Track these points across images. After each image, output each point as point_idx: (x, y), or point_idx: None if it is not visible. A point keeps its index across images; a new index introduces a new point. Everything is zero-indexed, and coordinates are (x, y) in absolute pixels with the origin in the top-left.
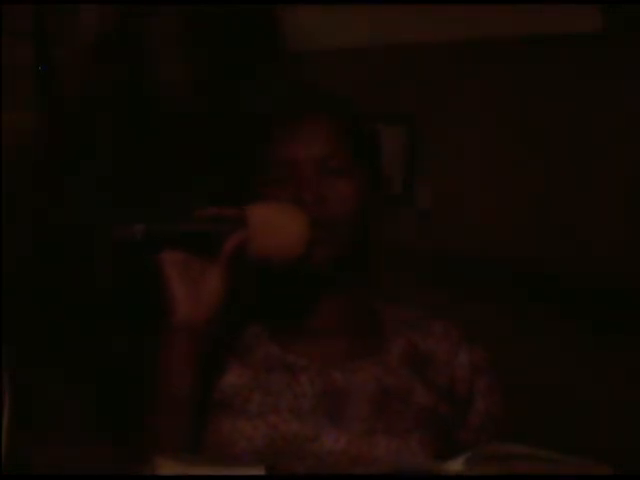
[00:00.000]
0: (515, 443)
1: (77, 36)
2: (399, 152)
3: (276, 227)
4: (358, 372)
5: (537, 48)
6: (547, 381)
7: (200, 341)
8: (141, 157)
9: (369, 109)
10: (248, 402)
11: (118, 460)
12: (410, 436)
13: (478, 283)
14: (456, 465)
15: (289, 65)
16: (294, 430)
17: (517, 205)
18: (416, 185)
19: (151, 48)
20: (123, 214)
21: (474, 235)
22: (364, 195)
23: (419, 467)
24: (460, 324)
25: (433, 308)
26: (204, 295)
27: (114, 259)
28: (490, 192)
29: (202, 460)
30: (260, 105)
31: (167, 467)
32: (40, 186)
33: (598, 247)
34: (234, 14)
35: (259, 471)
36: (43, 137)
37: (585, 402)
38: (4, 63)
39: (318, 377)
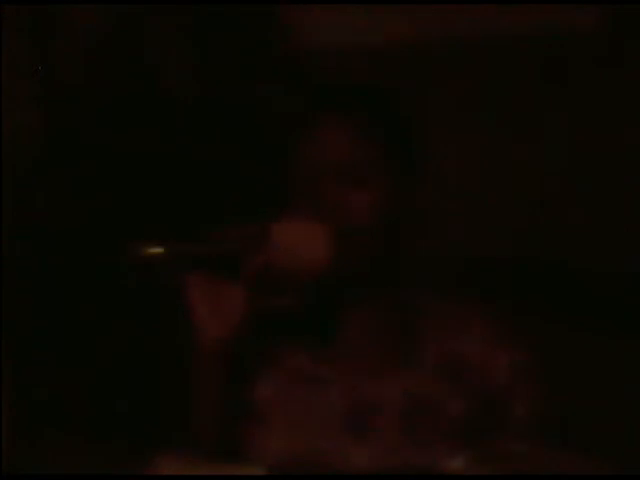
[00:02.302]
0: (515, 443)
1: (77, 36)
2: None
3: (298, 244)
4: (389, 385)
5: (537, 48)
6: (547, 381)
7: (226, 360)
8: (146, 161)
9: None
10: (275, 414)
11: (118, 460)
12: (440, 449)
13: (478, 283)
14: (456, 464)
15: (289, 65)
16: (320, 444)
17: (517, 205)
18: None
19: (151, 48)
20: (137, 231)
21: (474, 235)
22: (392, 199)
23: (419, 466)
24: (503, 324)
25: (432, 309)
26: (228, 315)
27: (129, 279)
28: (490, 192)
29: (202, 459)
30: (262, 107)
31: (167, 467)
32: (40, 186)
33: (599, 247)
34: (234, 14)
35: (259, 471)
36: (43, 137)
37: (585, 402)
38: (4, 63)
39: (348, 390)
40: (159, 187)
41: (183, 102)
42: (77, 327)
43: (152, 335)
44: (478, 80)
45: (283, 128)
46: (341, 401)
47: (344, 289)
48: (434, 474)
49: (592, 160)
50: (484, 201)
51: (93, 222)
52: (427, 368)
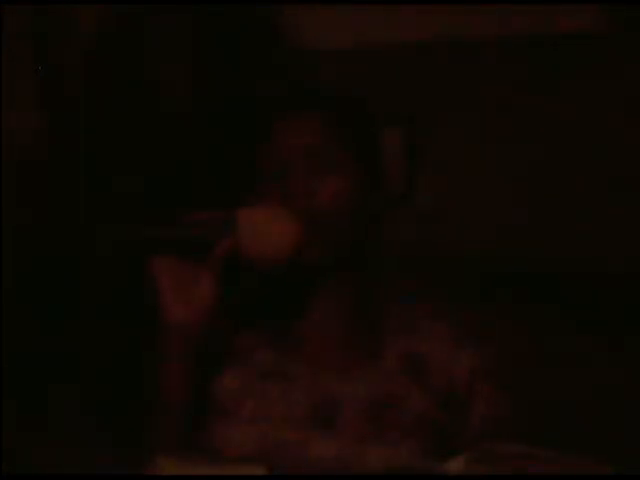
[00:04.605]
0: (515, 443)
1: (77, 36)
2: (399, 152)
3: (266, 229)
4: (353, 380)
5: (537, 48)
6: (547, 381)
7: (194, 344)
8: (141, 158)
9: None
10: (241, 407)
11: (118, 460)
12: (403, 444)
13: (478, 283)
14: (456, 465)
15: (289, 65)
16: (285, 437)
17: (517, 205)
18: (416, 185)
19: (151, 48)
20: (116, 216)
21: (474, 235)
22: (359, 193)
23: (419, 467)
24: (463, 325)
25: (433, 308)
26: (196, 299)
27: (103, 262)
28: (490, 192)
29: (202, 460)
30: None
31: (167, 467)
32: (40, 186)
33: (599, 247)
34: (234, 14)
35: (259, 471)
36: (43, 137)
37: (585, 401)
38: (4, 63)
39: (313, 385)
40: (142, 169)
41: (180, 100)
42: (68, 314)
43: (126, 323)
44: (478, 80)
45: (254, 119)
46: (306, 395)
47: (309, 280)
48: (434, 474)
49: (593, 160)
50: (484, 201)
51: (93, 219)
52: (390, 365)
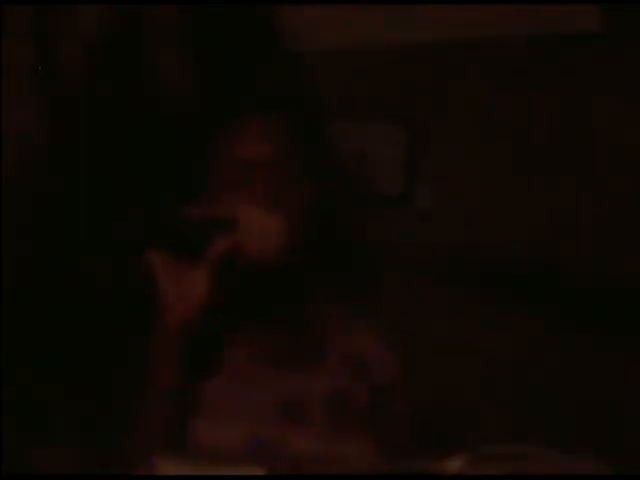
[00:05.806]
0: (515, 443)
1: (77, 36)
2: (399, 152)
3: (265, 227)
4: (308, 377)
5: (537, 48)
6: (547, 381)
7: (187, 340)
8: (137, 157)
9: (369, 109)
10: (215, 406)
11: (115, 460)
12: (366, 436)
13: (478, 283)
14: (455, 465)
15: (289, 65)
16: (262, 434)
17: (517, 205)
18: (416, 185)
19: (151, 48)
20: (115, 213)
21: (474, 235)
22: (322, 197)
23: (418, 467)
24: (384, 325)
25: (432, 308)
26: (192, 295)
27: (102, 258)
28: (490, 192)
29: (202, 460)
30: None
31: (166, 467)
32: (40, 186)
33: (599, 247)
34: (234, 14)
35: (259, 471)
36: (43, 137)
37: (585, 402)
38: (4, 63)
39: (274, 383)
40: (138, 168)
41: (181, 100)
42: (64, 313)
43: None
44: (478, 80)
45: (220, 121)
46: (271, 394)
47: (274, 280)
48: (434, 474)
49: (592, 160)
50: (483, 201)
51: (92, 219)
52: (334, 363)
